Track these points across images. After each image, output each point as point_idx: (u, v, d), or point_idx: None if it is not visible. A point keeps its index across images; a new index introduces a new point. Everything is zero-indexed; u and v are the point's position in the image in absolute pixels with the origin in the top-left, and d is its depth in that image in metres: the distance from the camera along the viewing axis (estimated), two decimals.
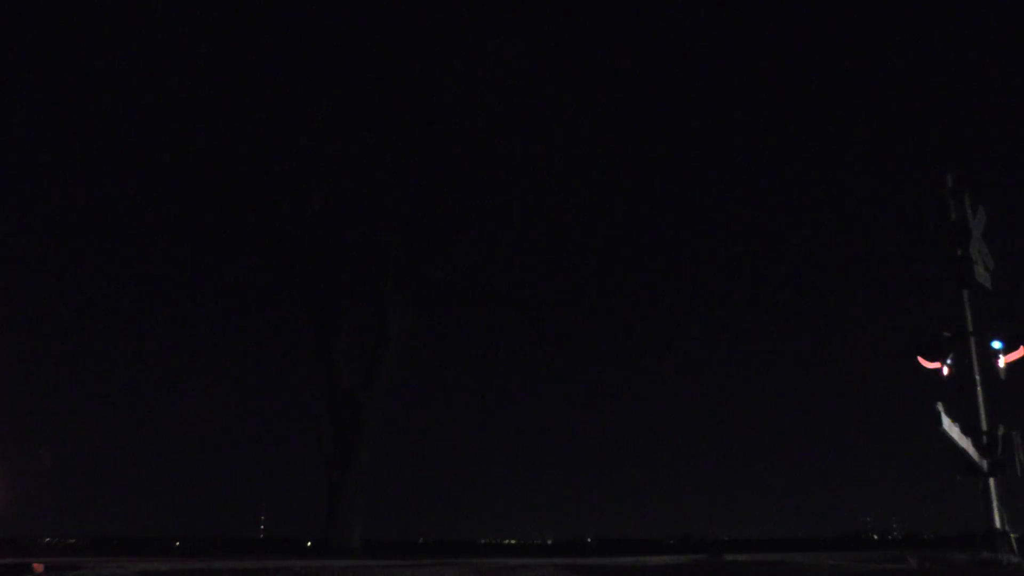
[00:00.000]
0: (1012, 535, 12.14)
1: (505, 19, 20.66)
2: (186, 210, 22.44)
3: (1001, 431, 12.48)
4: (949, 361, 12.88)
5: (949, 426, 11.70)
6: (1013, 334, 12.96)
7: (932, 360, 12.95)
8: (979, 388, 12.84)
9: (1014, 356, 12.79)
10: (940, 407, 11.55)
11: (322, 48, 21.12)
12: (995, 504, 12.33)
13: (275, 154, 21.63)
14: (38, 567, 9.58)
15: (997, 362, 12.76)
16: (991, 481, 12.40)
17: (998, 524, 12.21)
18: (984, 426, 12.59)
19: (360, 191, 22.27)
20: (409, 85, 21.34)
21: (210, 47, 20.29)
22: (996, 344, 12.92)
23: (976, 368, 12.89)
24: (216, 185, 21.64)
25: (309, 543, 26.21)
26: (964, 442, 12.07)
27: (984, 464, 12.32)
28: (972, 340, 13.03)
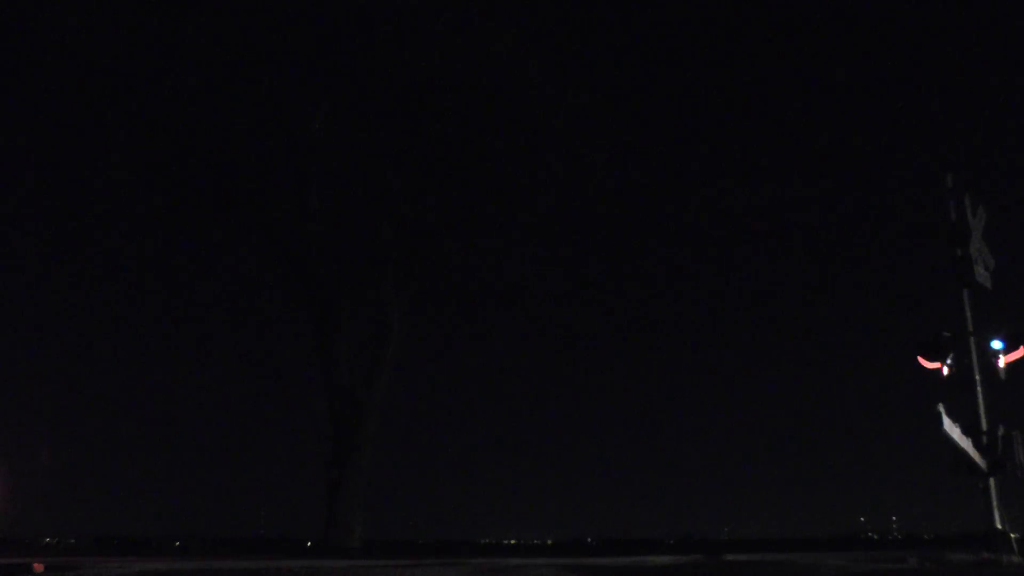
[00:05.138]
0: (1012, 535, 12.14)
1: (506, 17, 20.65)
2: (187, 210, 22.43)
3: (1001, 431, 12.48)
4: (949, 361, 12.87)
5: (950, 427, 11.70)
6: (1013, 334, 12.96)
7: (932, 360, 12.95)
8: (979, 388, 12.84)
9: (1014, 356, 12.78)
10: (941, 408, 11.55)
11: (323, 46, 21.12)
12: (995, 504, 12.33)
13: (275, 153, 21.63)
14: (38, 567, 9.58)
15: (997, 362, 12.76)
16: (991, 481, 12.40)
17: (998, 524, 12.21)
18: (984, 426, 12.59)
19: (360, 190, 22.27)
20: (409, 83, 21.33)
21: (210, 45, 20.27)
22: (996, 344, 12.92)
23: (976, 368, 12.89)
24: (216, 184, 21.63)
25: (309, 543, 26.19)
26: (964, 442, 12.07)
27: (984, 464, 12.32)
28: (972, 340, 13.03)
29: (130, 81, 20.62)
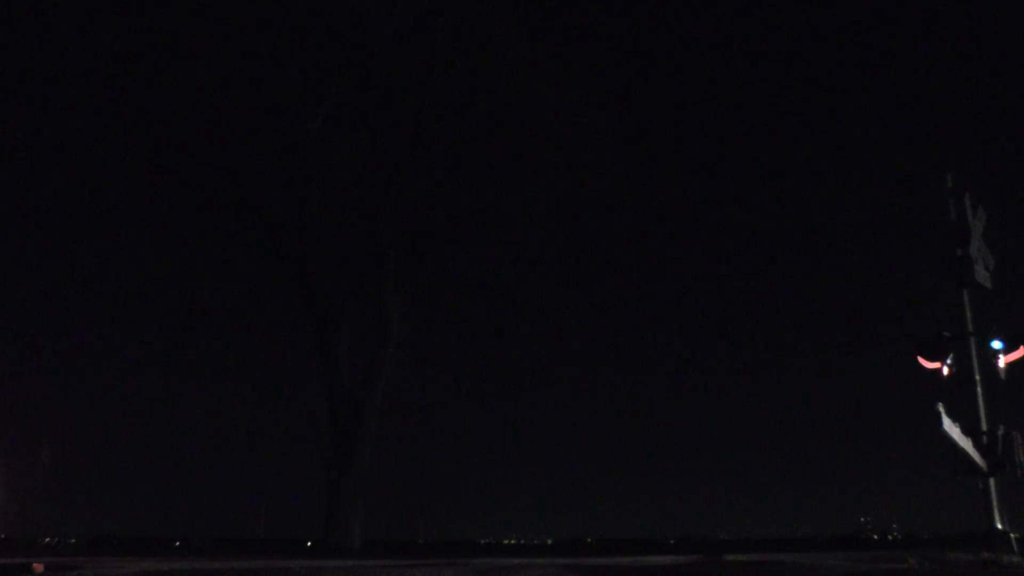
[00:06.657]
0: (1012, 535, 12.13)
1: (508, 19, 20.64)
2: (186, 210, 22.44)
3: (1001, 431, 12.46)
4: (949, 361, 12.86)
5: (950, 426, 11.69)
6: (1013, 334, 12.95)
7: (932, 360, 12.93)
8: (979, 388, 12.83)
9: (1014, 356, 12.77)
10: (941, 407, 11.53)
11: (323, 47, 21.12)
12: (995, 504, 12.33)
13: (276, 154, 21.62)
14: (38, 567, 9.57)
15: (997, 362, 12.75)
16: (991, 481, 12.40)
17: (998, 524, 12.21)
18: (984, 426, 12.58)
19: (360, 190, 22.26)
20: (410, 84, 21.32)
21: (210, 45, 20.27)
22: (996, 344, 12.91)
23: (976, 368, 12.88)
24: (217, 185, 21.64)
25: (309, 543, 26.21)
26: (964, 442, 12.06)
27: (984, 464, 12.31)
28: (972, 340, 13.02)
29: (131, 82, 20.62)
